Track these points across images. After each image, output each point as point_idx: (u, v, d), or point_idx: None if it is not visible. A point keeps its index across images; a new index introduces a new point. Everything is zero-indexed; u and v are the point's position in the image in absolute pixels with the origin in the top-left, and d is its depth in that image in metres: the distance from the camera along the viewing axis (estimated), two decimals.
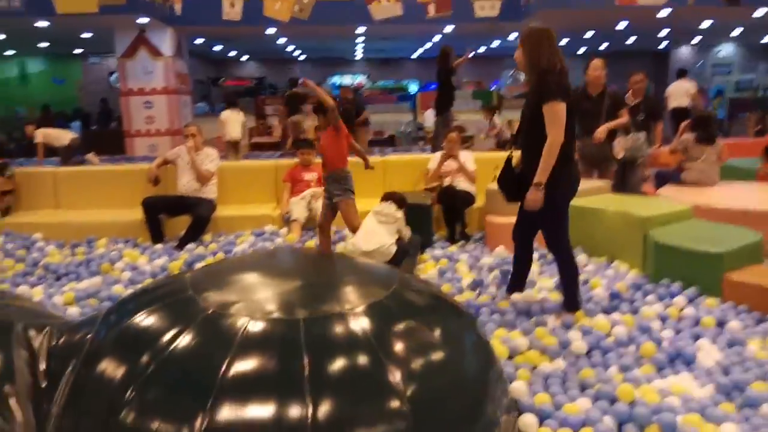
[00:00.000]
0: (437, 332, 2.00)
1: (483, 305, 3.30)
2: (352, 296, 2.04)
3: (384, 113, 13.49)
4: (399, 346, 1.86)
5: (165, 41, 11.61)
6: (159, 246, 4.66)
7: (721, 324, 3.05)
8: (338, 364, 1.74)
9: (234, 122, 9.53)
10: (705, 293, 3.38)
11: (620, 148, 4.99)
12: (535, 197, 2.90)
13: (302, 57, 19.78)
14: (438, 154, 5.20)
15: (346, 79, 19.72)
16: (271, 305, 1.93)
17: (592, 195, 4.57)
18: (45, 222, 4.93)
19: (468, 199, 4.88)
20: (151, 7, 10.57)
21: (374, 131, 13.29)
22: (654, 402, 2.24)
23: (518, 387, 2.35)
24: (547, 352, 2.72)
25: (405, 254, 3.67)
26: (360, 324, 1.87)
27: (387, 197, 3.87)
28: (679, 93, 10.59)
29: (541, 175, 2.87)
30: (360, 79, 19.62)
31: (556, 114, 2.82)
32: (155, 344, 1.83)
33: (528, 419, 2.16)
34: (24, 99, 16.58)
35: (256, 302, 1.95)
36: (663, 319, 3.08)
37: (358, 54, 19.22)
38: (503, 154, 5.92)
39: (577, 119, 5.22)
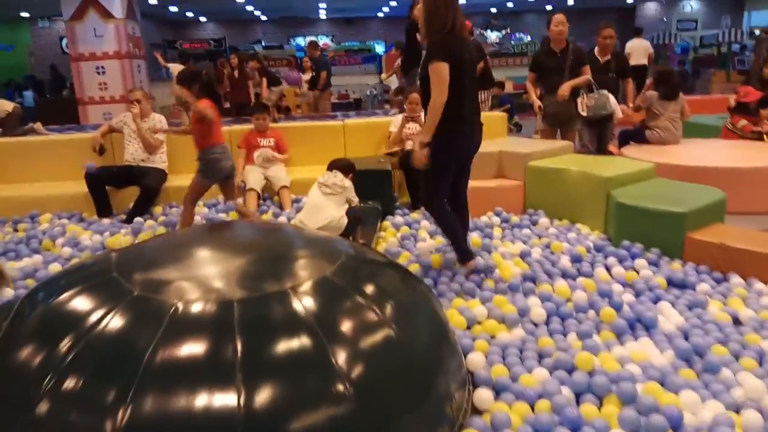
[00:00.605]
0: (386, 308, 1.88)
1: (444, 274, 3.20)
2: (294, 273, 1.90)
3: (349, 75, 13.16)
4: (344, 326, 1.74)
5: (115, 2, 11.00)
6: (106, 220, 4.43)
7: (682, 286, 3.00)
8: (274, 347, 1.61)
9: None
10: (667, 254, 3.33)
11: (583, 106, 4.87)
12: (418, 155, 2.93)
13: (264, 17, 19.13)
14: (399, 117, 5.02)
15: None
16: (203, 286, 1.78)
17: (555, 156, 4.48)
18: None
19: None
20: None
21: (339, 94, 13.00)
22: (613, 370, 2.17)
23: (474, 359, 2.26)
24: (505, 321, 2.63)
25: (358, 223, 3.48)
26: (301, 303, 1.74)
27: (332, 166, 3.54)
28: (640, 51, 10.52)
29: (425, 134, 2.91)
30: (325, 41, 19.10)
31: (437, 74, 2.81)
32: (74, 330, 1.68)
33: (483, 394, 2.07)
34: None
35: (187, 283, 1.80)
36: (623, 283, 3.02)
37: (322, 13, 18.67)
38: None
39: (540, 75, 5.16)
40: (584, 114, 4.92)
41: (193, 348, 1.59)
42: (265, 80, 8.90)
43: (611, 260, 3.31)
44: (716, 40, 15.45)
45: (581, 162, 4.26)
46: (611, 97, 4.86)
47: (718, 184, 3.82)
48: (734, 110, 6.06)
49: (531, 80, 5.22)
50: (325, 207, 3.32)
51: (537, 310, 2.68)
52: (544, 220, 4.04)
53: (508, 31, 17.90)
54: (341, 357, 1.63)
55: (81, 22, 11.01)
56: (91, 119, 11.26)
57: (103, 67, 11.24)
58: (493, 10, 19.80)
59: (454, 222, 3.17)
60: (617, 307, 2.67)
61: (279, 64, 14.26)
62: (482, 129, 3.18)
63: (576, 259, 3.36)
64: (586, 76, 4.90)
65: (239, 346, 1.59)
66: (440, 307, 2.24)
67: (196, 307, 1.69)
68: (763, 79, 6.42)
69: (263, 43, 18.29)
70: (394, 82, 13.72)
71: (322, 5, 16.40)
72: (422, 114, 4.93)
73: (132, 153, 4.67)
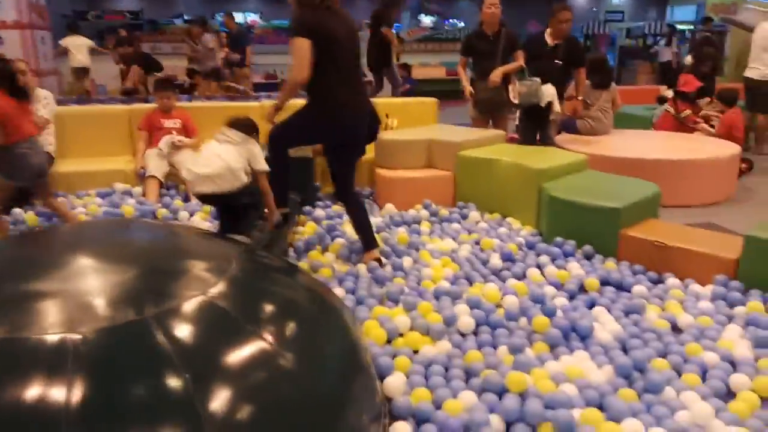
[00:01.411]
0: (281, 333, 1.52)
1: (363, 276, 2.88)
2: (163, 294, 1.50)
3: (277, 54, 12.53)
4: (221, 361, 1.37)
5: None
6: None
7: (618, 287, 2.80)
8: (121, 395, 1.22)
9: (80, 47, 8.57)
10: (601, 252, 3.14)
11: (515, 93, 4.64)
12: (269, 114, 3.02)
13: None
14: None
15: (238, 18, 18.25)
16: (32, 317, 1.36)
17: (487, 145, 4.22)
18: None
19: None
20: None
21: (266, 74, 12.39)
22: (548, 391, 1.91)
23: (392, 383, 1.95)
24: (430, 332, 2.33)
25: (281, 227, 3.05)
26: (165, 335, 1.35)
27: (231, 124, 2.81)
28: None
29: (277, 101, 2.99)
30: (252, 17, 18.26)
31: (295, 50, 2.69)
32: None
33: (400, 428, 1.76)
34: None
35: (11, 313, 1.38)
36: (556, 285, 2.79)
37: None
38: (396, 101, 5.49)
39: (472, 60, 4.88)
40: (515, 101, 4.69)
41: (11, 399, 1.19)
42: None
43: (543, 258, 3.08)
44: (642, 32, 15.82)
45: (513, 152, 4.03)
46: (548, 87, 4.57)
47: (651, 177, 3.67)
48: (675, 98, 6.01)
49: (462, 64, 4.95)
50: (220, 154, 2.68)
51: (465, 318, 2.40)
52: (474, 214, 3.79)
53: (442, 16, 17.71)
54: (214, 401, 1.27)
55: None
56: None
57: (0, 38, 10.19)
58: None
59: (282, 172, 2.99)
60: (550, 314, 2.42)
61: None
62: (368, 115, 3.03)
63: (507, 257, 3.11)
64: (519, 62, 4.67)
65: (74, 396, 1.19)
66: (353, 322, 1.91)
67: (20, 346, 1.28)
68: (701, 73, 6.41)
69: (184, 17, 17.20)
70: None
71: None
72: None
73: None
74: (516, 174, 3.69)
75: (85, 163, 4.27)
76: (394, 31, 6.84)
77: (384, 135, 4.28)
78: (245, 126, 2.82)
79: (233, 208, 2.80)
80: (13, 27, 10.20)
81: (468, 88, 4.83)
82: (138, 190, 4.08)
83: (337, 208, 3.90)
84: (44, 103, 4.12)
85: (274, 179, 2.91)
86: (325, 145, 3.09)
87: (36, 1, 10.68)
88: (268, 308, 1.61)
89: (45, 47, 11.06)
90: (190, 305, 1.46)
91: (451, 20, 18.19)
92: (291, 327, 1.58)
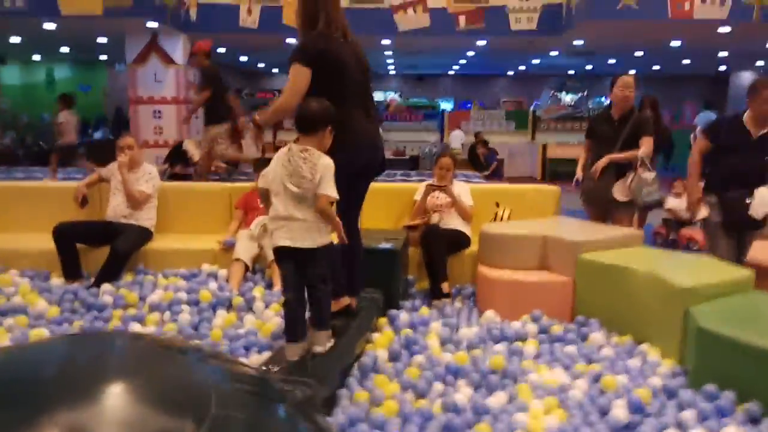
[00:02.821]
0: None
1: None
2: None
3: (407, 132, 12.53)
4: None
5: (177, 48, 11.01)
6: (75, 284, 3.78)
7: None
8: None
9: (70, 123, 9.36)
10: None
11: (623, 188, 3.91)
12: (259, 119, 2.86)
13: None
14: (424, 184, 4.19)
15: (378, 96, 18.88)
16: None
17: (619, 247, 3.47)
18: None
19: (456, 240, 3.86)
20: (162, 11, 9.96)
21: (395, 150, 12.37)
22: None
23: None
24: None
25: (348, 317, 2.62)
26: None
27: (299, 124, 2.52)
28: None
29: (264, 115, 2.86)
30: (392, 96, 18.76)
31: (291, 77, 2.56)
32: None
33: None
34: (51, 105, 16.39)
35: None
36: None
37: (391, 69, 18.40)
38: (511, 187, 4.91)
39: (593, 144, 4.18)
40: (619, 198, 3.93)
41: None
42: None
43: (687, 415, 2.27)
44: None
45: (653, 260, 3.24)
46: (763, 192, 3.45)
47: None
48: None
49: (585, 147, 4.36)
50: (295, 221, 2.36)
51: None
52: (597, 336, 3.03)
53: (585, 93, 16.90)
54: None
55: (143, 66, 11.05)
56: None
57: (160, 112, 11.20)
58: (572, 72, 18.93)
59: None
60: None
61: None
62: (380, 149, 2.83)
63: (636, 407, 2.33)
64: (640, 149, 3.92)
65: None
66: None
67: None
68: None
69: None
70: (456, 140, 13.02)
71: (390, 61, 16.09)
72: (454, 183, 4.12)
73: (114, 207, 4.06)
74: (654, 290, 2.92)
75: (180, 240, 4.16)
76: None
77: (491, 227, 3.73)
78: (317, 118, 2.45)
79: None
80: (171, 102, 11.19)
81: (577, 173, 4.24)
82: (223, 273, 3.85)
83: (426, 311, 3.35)
84: (147, 177, 4.11)
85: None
86: (340, 175, 2.48)
87: (193, 80, 11.71)
88: None
89: (198, 121, 12.02)
90: None
91: (594, 99, 17.31)
92: None
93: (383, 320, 3.10)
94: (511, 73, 19.10)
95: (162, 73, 11.05)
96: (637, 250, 3.50)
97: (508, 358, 2.78)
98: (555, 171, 12.00)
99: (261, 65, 18.38)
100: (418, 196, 4.17)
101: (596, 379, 2.59)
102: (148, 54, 11.01)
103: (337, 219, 2.39)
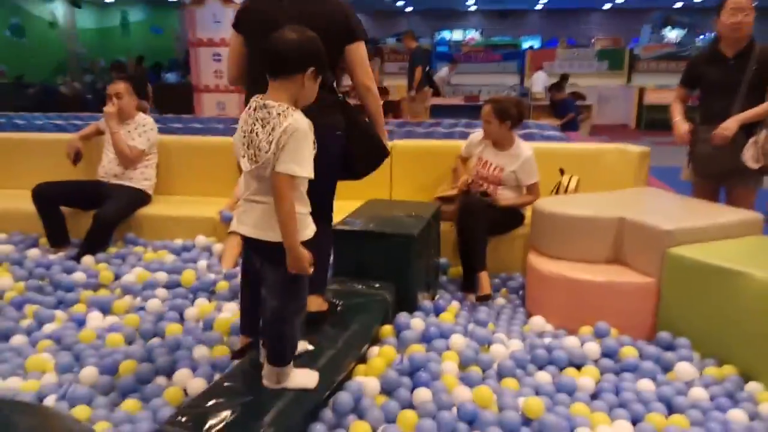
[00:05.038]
0: None
1: None
2: None
3: (483, 74, 11.37)
4: None
5: None
6: (60, 253, 3.30)
7: None
8: None
9: None
10: None
11: (757, 152, 2.81)
12: None
13: (409, 9, 17.88)
14: (475, 135, 3.28)
15: (457, 35, 17.51)
16: None
17: (724, 238, 2.50)
18: None
19: (503, 220, 3.01)
20: None
21: (467, 96, 11.28)
22: None
23: None
24: None
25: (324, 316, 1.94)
26: None
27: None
28: None
29: None
30: (471, 35, 17.36)
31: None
32: None
33: None
34: (124, 49, 16.40)
35: None
36: None
37: (472, 5, 16.95)
38: (580, 147, 3.87)
39: (701, 94, 2.99)
40: (752, 165, 2.84)
41: None
42: None
43: None
44: None
45: None
46: None
47: None
48: None
49: (678, 98, 3.18)
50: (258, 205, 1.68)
51: None
52: (685, 366, 2.15)
53: (693, 29, 14.81)
54: None
55: (201, 7, 10.50)
56: (206, 109, 10.80)
57: (219, 55, 10.65)
58: (679, 4, 16.68)
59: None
60: None
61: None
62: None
63: None
64: None
65: None
66: None
67: None
68: None
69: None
70: (538, 83, 11.71)
71: None
72: (516, 143, 3.20)
73: (105, 165, 3.52)
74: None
75: (179, 206, 3.57)
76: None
77: (547, 203, 2.83)
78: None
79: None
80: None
81: (682, 128, 3.05)
82: (219, 248, 3.24)
83: (450, 316, 2.55)
84: (140, 131, 3.51)
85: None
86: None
87: None
88: None
89: None
90: None
91: (704, 35, 15.16)
92: None
93: (388, 329, 2.33)
94: (608, 6, 17.12)
95: (221, 14, 10.49)
96: (753, 242, 2.51)
97: (552, 397, 1.98)
98: (653, 119, 10.58)
99: None
100: (464, 152, 3.30)
101: None
102: None
103: (296, 216, 1.61)
